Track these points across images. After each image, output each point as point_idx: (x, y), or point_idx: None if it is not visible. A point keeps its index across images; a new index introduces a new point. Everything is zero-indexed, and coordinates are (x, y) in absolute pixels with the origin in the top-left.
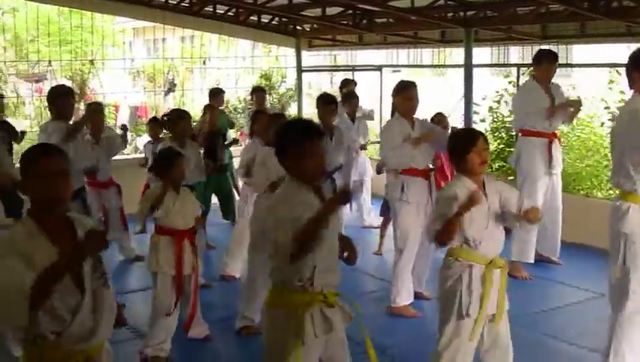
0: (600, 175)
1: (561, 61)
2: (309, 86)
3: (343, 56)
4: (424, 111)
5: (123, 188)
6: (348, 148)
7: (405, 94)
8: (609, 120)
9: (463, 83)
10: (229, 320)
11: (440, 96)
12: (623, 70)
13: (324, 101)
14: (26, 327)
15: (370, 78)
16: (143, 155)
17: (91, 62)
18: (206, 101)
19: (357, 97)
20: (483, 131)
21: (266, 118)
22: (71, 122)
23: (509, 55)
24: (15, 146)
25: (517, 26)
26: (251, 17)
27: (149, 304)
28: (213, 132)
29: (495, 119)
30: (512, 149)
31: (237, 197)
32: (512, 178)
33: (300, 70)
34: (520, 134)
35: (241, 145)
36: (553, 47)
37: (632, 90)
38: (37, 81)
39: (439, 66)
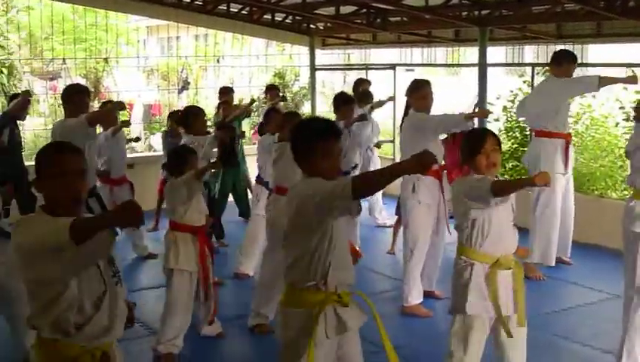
0: (614, 175)
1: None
2: (323, 85)
3: (357, 55)
4: (437, 111)
5: (135, 186)
6: (365, 148)
7: (420, 93)
8: (624, 120)
9: (477, 82)
10: (243, 318)
11: (454, 95)
12: (638, 70)
13: (344, 101)
14: (52, 323)
15: (384, 77)
16: (156, 153)
17: (105, 60)
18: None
19: (372, 96)
20: (497, 131)
21: (280, 117)
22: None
23: (523, 54)
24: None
25: (532, 25)
26: (265, 16)
27: (161, 301)
28: (228, 129)
29: (509, 118)
30: (525, 149)
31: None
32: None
33: (313, 69)
34: (534, 134)
35: (254, 143)
36: (569, 47)
37: None
38: (51, 79)
39: (453, 65)
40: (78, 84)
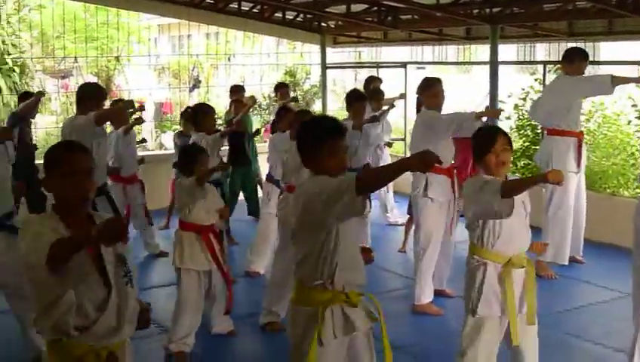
0: (626, 173)
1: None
2: (334, 83)
3: (368, 53)
4: (449, 109)
5: (146, 184)
6: (375, 147)
7: (431, 91)
8: (636, 118)
9: (488, 80)
10: (254, 316)
11: (465, 93)
12: None
13: (356, 98)
14: (53, 325)
15: (395, 75)
16: (167, 151)
17: (117, 58)
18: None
19: (383, 94)
20: (508, 129)
21: (291, 115)
22: None
23: (535, 52)
24: None
25: (543, 23)
26: (276, 14)
27: (173, 299)
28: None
29: (520, 117)
30: (537, 147)
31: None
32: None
33: (324, 67)
34: (546, 133)
35: (265, 142)
36: (580, 45)
37: None
38: (63, 77)
39: (464, 63)
40: (95, 87)
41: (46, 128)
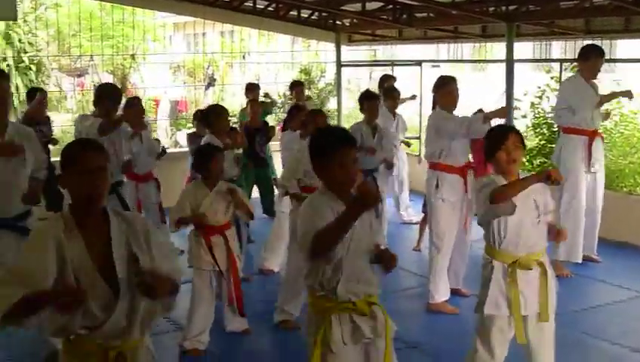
0: None
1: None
2: (349, 81)
3: (382, 51)
4: (464, 107)
5: (162, 182)
6: (391, 148)
7: (446, 89)
8: None
9: (503, 78)
10: (268, 314)
11: (480, 91)
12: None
13: (367, 97)
14: (57, 328)
15: (410, 73)
16: (182, 149)
17: (132, 56)
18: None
19: (398, 92)
20: (524, 127)
21: (303, 114)
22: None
23: (551, 50)
24: None
25: (560, 21)
26: (291, 12)
27: (187, 297)
28: (253, 127)
29: (536, 115)
30: (553, 146)
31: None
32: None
33: (339, 65)
34: (562, 131)
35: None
36: (597, 42)
37: None
38: (79, 76)
39: (480, 61)
40: (111, 88)
41: (62, 126)
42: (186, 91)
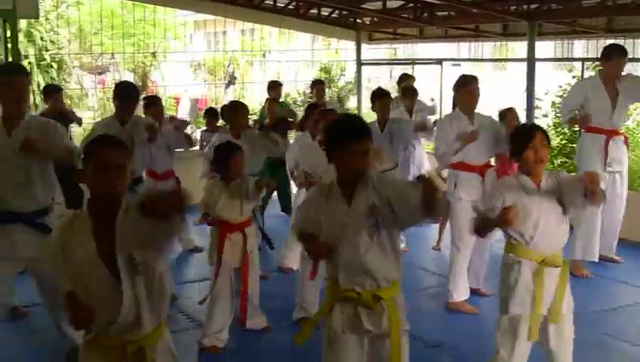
0: None
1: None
2: (369, 80)
3: (403, 50)
4: (484, 106)
5: (181, 179)
6: (407, 146)
7: (466, 88)
8: None
9: (524, 77)
10: (287, 312)
11: (501, 90)
12: None
13: (377, 95)
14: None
15: (431, 72)
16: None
17: (153, 54)
18: (266, 94)
19: (416, 91)
20: (545, 127)
21: (317, 113)
22: None
23: (572, 49)
24: None
25: (582, 19)
26: (311, 10)
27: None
28: (271, 125)
29: (557, 114)
30: (574, 145)
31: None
32: (574, 175)
33: (359, 63)
34: (583, 130)
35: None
36: (619, 41)
37: None
38: (100, 73)
39: (502, 60)
40: (130, 87)
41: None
42: (207, 89)
